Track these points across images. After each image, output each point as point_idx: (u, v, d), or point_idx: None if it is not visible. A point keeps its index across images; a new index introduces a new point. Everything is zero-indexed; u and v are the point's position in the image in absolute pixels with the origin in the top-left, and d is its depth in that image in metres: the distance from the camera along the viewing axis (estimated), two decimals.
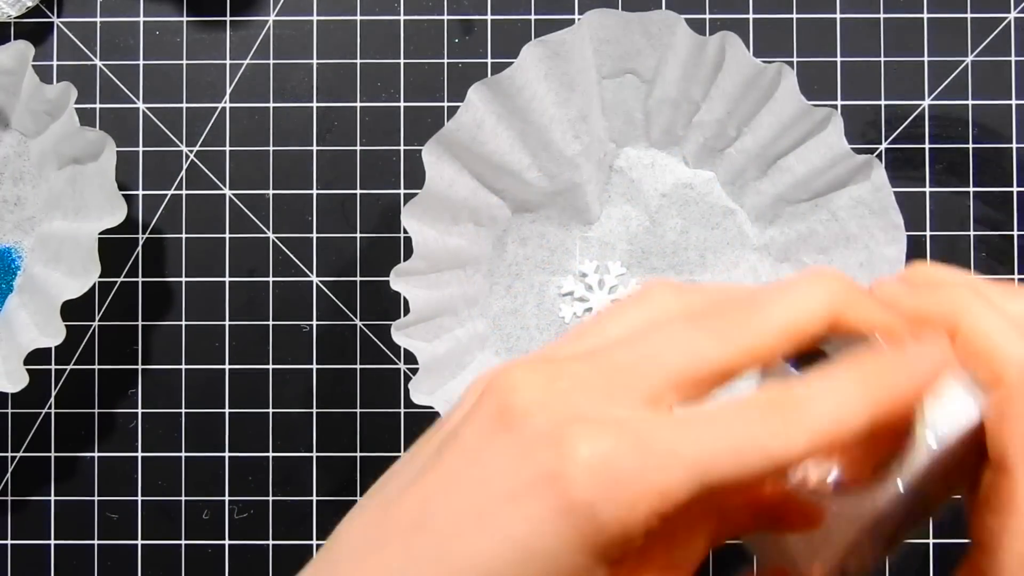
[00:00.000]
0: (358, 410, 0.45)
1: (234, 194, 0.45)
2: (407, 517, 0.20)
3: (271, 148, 0.45)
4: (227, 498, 0.45)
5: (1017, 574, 0.23)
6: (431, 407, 0.39)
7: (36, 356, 0.42)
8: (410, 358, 0.45)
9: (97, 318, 0.45)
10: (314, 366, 0.45)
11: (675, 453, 0.19)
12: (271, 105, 0.45)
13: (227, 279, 0.45)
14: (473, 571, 0.19)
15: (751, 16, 0.45)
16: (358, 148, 0.45)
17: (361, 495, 0.24)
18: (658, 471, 0.19)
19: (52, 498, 0.45)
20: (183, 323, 0.45)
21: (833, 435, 0.20)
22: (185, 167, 0.45)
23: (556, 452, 0.19)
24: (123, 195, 0.41)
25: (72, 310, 0.42)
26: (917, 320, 0.24)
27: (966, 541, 0.25)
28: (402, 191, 0.45)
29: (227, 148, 0.45)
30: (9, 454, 0.45)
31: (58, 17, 0.46)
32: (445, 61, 0.45)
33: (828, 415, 0.20)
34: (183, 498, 0.45)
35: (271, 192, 0.45)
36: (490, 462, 0.20)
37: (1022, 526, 0.22)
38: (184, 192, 0.45)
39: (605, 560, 0.19)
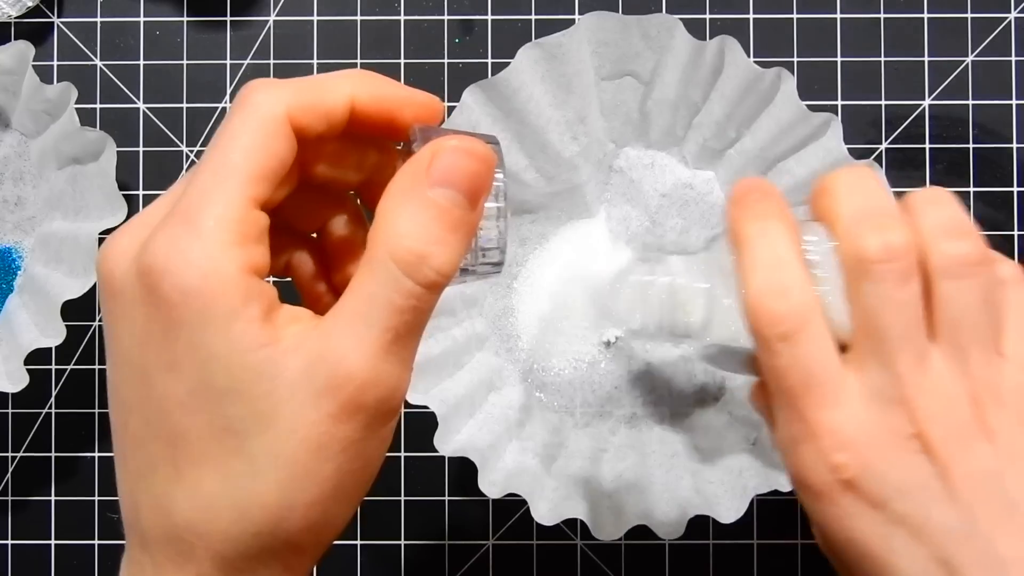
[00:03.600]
0: None
1: None
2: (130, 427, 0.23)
3: None
4: None
5: None
6: (426, 406, 0.39)
7: (36, 356, 0.42)
8: None
9: (97, 318, 0.45)
10: None
11: (221, 258, 0.23)
12: None
13: None
14: (179, 401, 0.22)
15: (751, 16, 0.45)
16: None
17: None
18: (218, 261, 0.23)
19: (52, 498, 0.45)
20: None
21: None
22: (185, 167, 0.45)
23: (150, 291, 0.22)
24: (123, 195, 0.41)
25: (72, 310, 0.42)
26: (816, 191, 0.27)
27: None
28: None
29: None
30: (9, 454, 0.45)
31: (58, 17, 0.46)
32: (445, 61, 0.45)
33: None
34: None
35: None
36: (142, 338, 0.23)
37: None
38: None
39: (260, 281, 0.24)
